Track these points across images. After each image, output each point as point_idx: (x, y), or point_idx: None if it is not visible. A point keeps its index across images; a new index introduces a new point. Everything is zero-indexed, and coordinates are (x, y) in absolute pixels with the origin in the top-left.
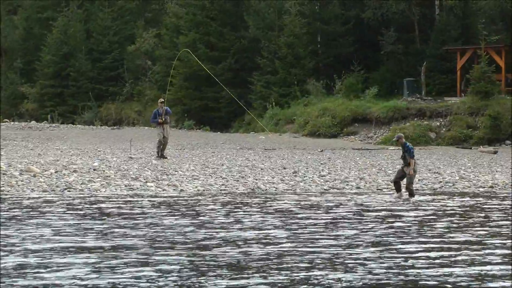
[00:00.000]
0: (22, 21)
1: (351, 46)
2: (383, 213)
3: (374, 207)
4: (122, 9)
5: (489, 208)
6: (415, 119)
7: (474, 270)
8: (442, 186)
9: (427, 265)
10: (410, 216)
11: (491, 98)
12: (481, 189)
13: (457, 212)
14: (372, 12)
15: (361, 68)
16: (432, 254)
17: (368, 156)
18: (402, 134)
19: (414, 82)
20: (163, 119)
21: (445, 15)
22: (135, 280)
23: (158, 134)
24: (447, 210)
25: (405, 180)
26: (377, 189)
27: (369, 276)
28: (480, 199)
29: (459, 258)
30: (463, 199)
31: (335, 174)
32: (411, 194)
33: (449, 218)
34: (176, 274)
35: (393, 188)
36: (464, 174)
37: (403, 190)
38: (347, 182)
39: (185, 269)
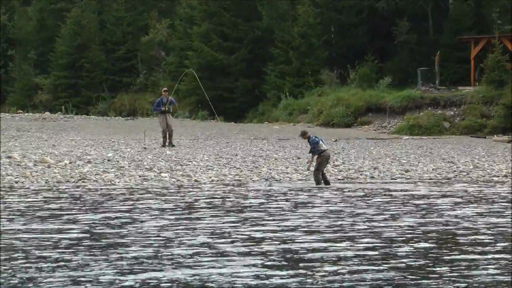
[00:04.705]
0: (35, 12)
1: (364, 36)
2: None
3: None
4: None
5: None
6: (429, 108)
7: None
8: (457, 176)
9: None
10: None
11: (505, 87)
12: (495, 178)
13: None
14: (385, 1)
15: (375, 58)
16: None
17: (382, 145)
18: (306, 130)
19: (428, 72)
20: (166, 108)
21: (459, 5)
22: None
23: (160, 123)
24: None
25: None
26: (391, 179)
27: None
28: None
29: None
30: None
31: (349, 164)
32: (316, 181)
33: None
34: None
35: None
36: (478, 163)
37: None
38: (361, 171)
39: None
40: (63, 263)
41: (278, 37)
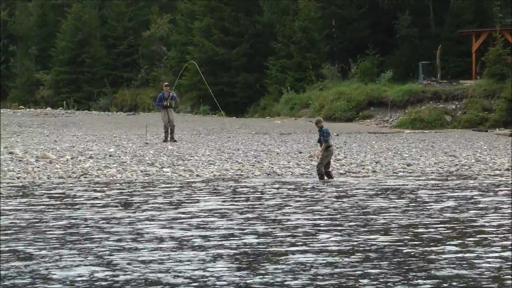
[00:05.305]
0: (36, 8)
1: (366, 30)
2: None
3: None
4: None
5: None
6: (431, 102)
7: None
8: (458, 169)
9: None
10: None
11: (507, 81)
12: (497, 172)
13: None
14: None
15: (376, 52)
16: None
17: (383, 139)
18: (321, 118)
19: (429, 66)
20: (168, 103)
21: None
22: None
23: (162, 118)
24: None
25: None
26: (393, 173)
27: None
28: None
29: None
30: None
31: (351, 158)
32: (319, 175)
33: None
34: None
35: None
36: (480, 157)
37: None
38: (363, 166)
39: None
40: (38, 259)
41: (279, 32)
